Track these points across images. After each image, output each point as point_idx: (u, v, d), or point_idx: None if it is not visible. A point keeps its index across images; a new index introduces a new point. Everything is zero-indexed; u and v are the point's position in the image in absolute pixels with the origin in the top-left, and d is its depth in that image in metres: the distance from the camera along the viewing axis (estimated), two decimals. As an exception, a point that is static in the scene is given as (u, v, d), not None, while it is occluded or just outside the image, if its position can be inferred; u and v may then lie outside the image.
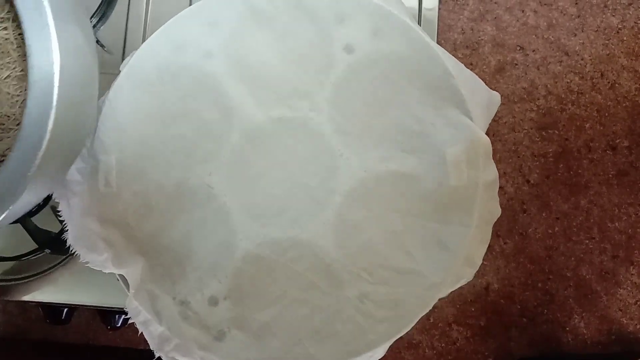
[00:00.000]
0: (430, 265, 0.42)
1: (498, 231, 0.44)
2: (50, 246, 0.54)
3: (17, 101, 0.34)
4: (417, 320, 0.40)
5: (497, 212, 0.43)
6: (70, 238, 0.43)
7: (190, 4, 0.47)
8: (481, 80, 0.44)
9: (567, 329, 0.60)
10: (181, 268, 0.45)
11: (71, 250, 0.43)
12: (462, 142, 0.42)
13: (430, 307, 0.40)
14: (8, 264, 0.57)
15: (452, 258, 0.41)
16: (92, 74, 0.39)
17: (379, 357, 0.41)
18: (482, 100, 0.43)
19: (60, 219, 0.44)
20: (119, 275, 0.44)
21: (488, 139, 0.42)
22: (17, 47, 0.34)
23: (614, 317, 0.60)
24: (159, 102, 0.45)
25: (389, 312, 0.42)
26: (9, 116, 0.34)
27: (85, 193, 0.43)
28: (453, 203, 0.42)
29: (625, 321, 0.60)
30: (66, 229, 0.43)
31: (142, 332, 0.42)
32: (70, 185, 0.43)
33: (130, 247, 0.44)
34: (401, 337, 0.42)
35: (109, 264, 0.43)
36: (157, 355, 0.44)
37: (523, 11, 0.64)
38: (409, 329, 0.40)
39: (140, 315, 0.43)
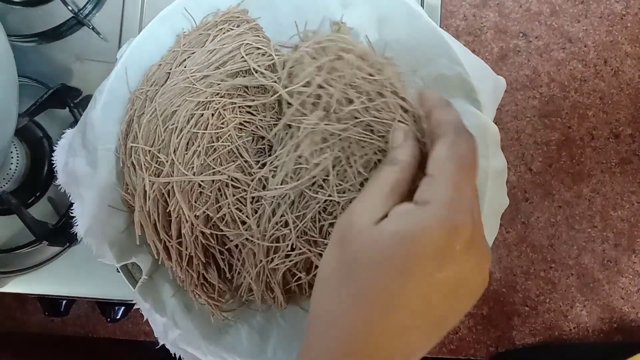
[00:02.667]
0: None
1: (500, 220, 0.43)
2: (47, 238, 0.53)
3: None
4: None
5: (505, 202, 0.42)
6: (81, 231, 0.42)
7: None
8: (488, 66, 0.44)
9: (569, 317, 0.60)
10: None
11: (86, 244, 0.42)
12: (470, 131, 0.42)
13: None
14: (5, 256, 0.56)
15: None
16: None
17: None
18: (489, 86, 0.43)
19: (72, 215, 0.43)
20: (120, 267, 0.43)
21: (496, 127, 0.42)
22: None
23: (615, 306, 0.60)
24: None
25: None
26: None
27: (94, 185, 0.42)
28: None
29: (627, 309, 0.60)
30: (76, 223, 0.42)
31: (142, 324, 0.42)
32: (82, 180, 0.42)
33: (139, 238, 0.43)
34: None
35: (120, 257, 0.42)
36: (161, 343, 0.43)
37: (525, -3, 0.63)
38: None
39: (145, 303, 0.42)
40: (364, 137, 0.35)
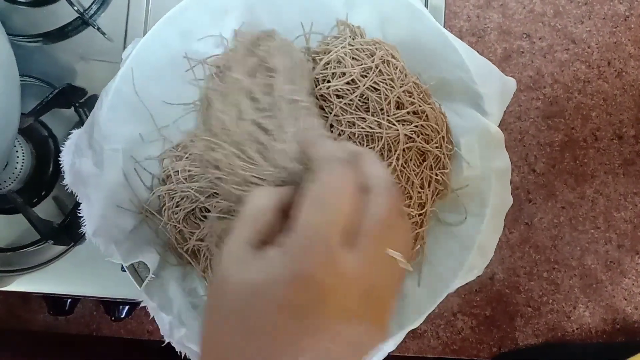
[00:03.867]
0: (442, 255, 0.42)
1: (504, 220, 0.43)
2: (53, 237, 0.53)
3: None
4: (429, 312, 0.40)
5: (509, 201, 0.42)
6: (89, 232, 0.42)
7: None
8: (495, 67, 0.44)
9: (572, 318, 0.60)
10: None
11: (94, 244, 0.42)
12: (472, 133, 0.42)
13: (442, 299, 0.40)
14: (10, 255, 0.56)
15: (464, 248, 0.41)
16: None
17: (390, 350, 0.41)
18: (495, 88, 0.43)
19: (79, 215, 0.43)
20: (127, 266, 0.43)
21: (498, 129, 0.42)
22: None
23: (618, 307, 0.60)
24: (170, 90, 0.44)
25: (400, 304, 0.42)
26: None
27: (101, 185, 0.42)
28: (465, 192, 0.42)
29: (630, 310, 0.60)
30: (84, 223, 0.42)
31: (146, 323, 0.42)
32: (89, 180, 0.42)
33: (146, 237, 0.44)
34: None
35: (127, 256, 0.42)
36: (166, 341, 0.43)
37: (529, -2, 0.63)
38: (421, 322, 0.40)
39: (152, 302, 0.43)
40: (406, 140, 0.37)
